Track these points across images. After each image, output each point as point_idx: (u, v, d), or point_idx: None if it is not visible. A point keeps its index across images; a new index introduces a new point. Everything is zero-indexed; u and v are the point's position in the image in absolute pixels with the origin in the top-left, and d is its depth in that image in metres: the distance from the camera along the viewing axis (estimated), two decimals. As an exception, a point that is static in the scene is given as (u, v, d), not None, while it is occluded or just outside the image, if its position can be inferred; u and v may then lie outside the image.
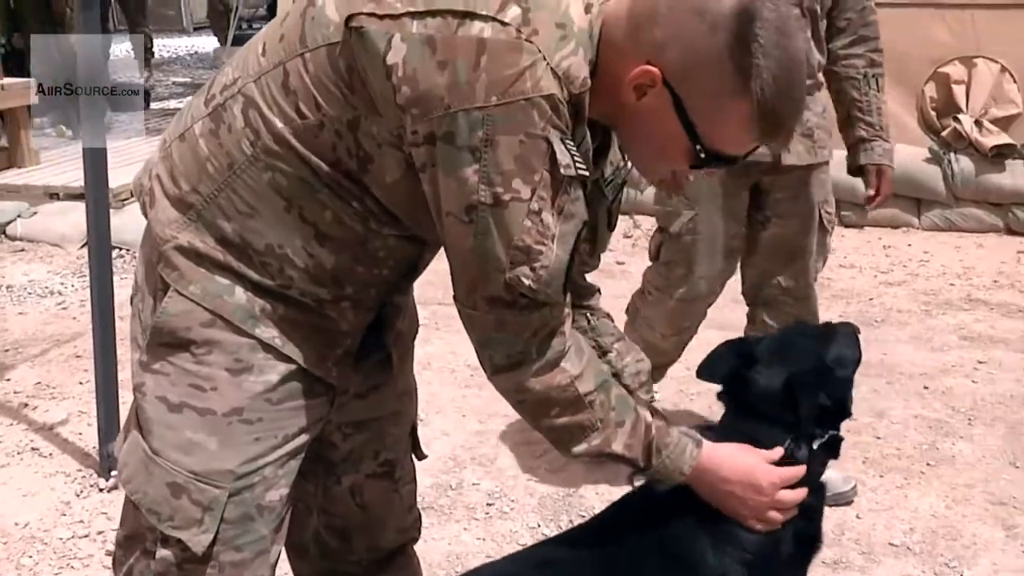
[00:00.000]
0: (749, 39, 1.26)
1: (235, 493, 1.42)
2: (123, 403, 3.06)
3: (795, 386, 1.56)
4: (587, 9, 1.33)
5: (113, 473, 2.85)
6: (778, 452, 1.55)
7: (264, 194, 1.39)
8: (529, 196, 1.28)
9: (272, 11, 10.28)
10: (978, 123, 5.45)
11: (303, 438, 1.49)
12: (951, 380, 3.77)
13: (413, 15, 1.27)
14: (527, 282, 1.31)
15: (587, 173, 1.32)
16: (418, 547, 1.86)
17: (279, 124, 1.37)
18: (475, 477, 3.08)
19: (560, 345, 1.40)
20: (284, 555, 1.71)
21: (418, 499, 1.83)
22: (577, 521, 2.70)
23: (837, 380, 1.62)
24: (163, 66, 12.34)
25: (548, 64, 1.25)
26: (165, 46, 13.84)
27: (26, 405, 3.60)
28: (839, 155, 3.01)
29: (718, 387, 1.67)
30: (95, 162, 3.04)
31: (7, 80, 6.08)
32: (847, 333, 1.70)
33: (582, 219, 1.34)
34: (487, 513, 2.89)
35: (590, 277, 1.70)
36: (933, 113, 5.62)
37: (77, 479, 3.09)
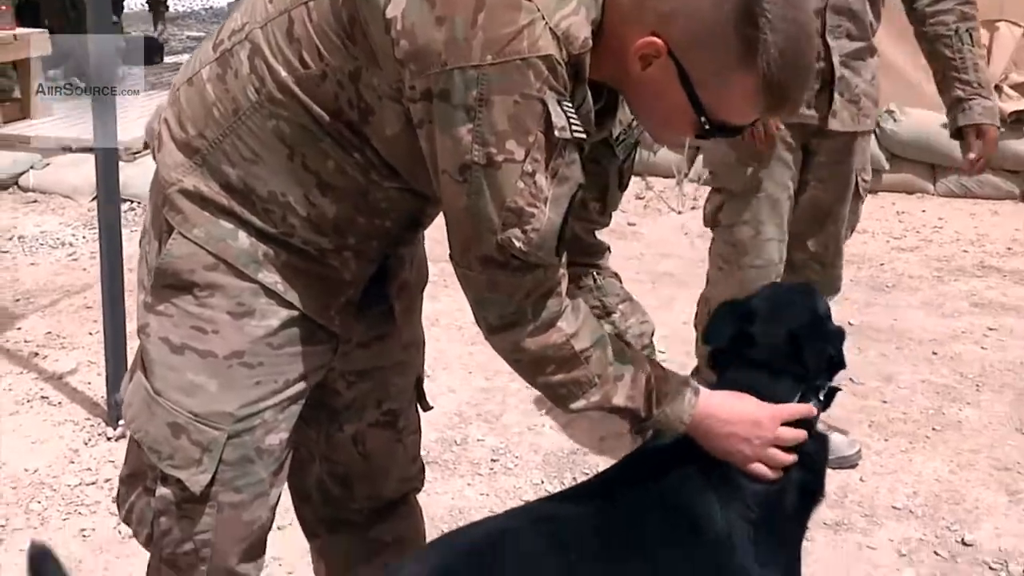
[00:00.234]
0: (756, 13, 1.24)
1: (234, 435, 1.43)
2: (131, 353, 3.07)
3: (802, 338, 1.58)
4: None
5: (121, 421, 2.87)
6: (789, 408, 1.54)
7: (268, 141, 1.39)
8: (523, 158, 1.26)
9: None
10: (998, 88, 5.37)
11: (304, 384, 1.50)
12: (960, 346, 3.76)
13: None
14: (518, 244, 1.30)
15: (584, 136, 1.31)
16: (421, 501, 1.86)
17: (283, 72, 1.36)
18: (480, 433, 3.09)
19: (556, 306, 1.39)
20: (290, 499, 1.73)
21: (422, 453, 1.84)
22: (581, 479, 2.71)
23: (833, 331, 1.66)
24: (177, 20, 12.30)
25: (547, 24, 1.23)
26: (180, 1, 13.79)
27: (36, 354, 3.62)
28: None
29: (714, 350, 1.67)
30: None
31: (20, 30, 6.06)
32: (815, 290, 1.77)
33: (577, 182, 1.33)
34: (491, 469, 2.90)
35: (601, 236, 1.69)
36: (952, 77, 5.55)
37: (85, 427, 3.11)
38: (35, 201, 5.41)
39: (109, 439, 3.04)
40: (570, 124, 1.28)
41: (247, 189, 1.41)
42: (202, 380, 1.42)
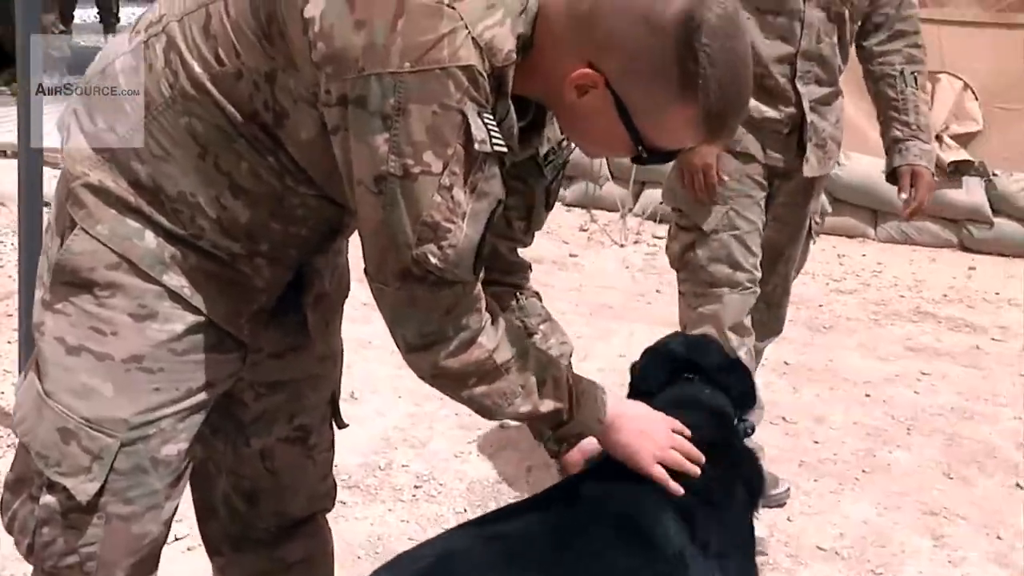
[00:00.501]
0: (696, 48, 1.21)
1: (128, 443, 1.36)
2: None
3: (727, 371, 1.67)
4: None
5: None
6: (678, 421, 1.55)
7: (180, 139, 1.33)
8: (440, 170, 1.22)
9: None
10: (938, 138, 5.46)
11: (208, 393, 1.43)
12: (893, 389, 3.77)
13: None
14: (433, 260, 1.25)
15: (505, 150, 1.27)
16: (339, 526, 1.81)
17: (197, 68, 1.31)
18: (405, 459, 3.02)
19: (477, 323, 1.35)
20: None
21: (345, 477, 1.77)
22: (505, 507, 2.65)
23: (747, 371, 1.79)
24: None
25: (470, 33, 1.19)
26: (133, 13, 13.63)
27: (-48, 361, 3.50)
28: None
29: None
30: (28, 117, 2.97)
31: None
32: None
33: (496, 198, 1.29)
34: (414, 495, 2.83)
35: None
36: (894, 126, 5.63)
37: (-3, 438, 3.00)
38: (-35, 206, 5.26)
39: (20, 451, 2.92)
40: (491, 137, 1.24)
41: (156, 187, 1.35)
42: (97, 383, 1.35)
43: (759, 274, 2.69)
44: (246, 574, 1.73)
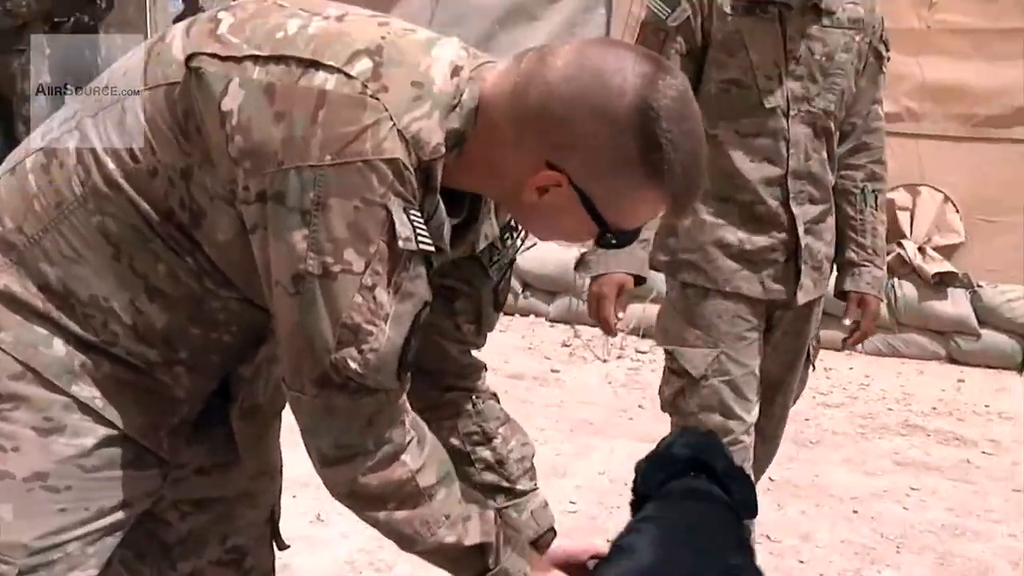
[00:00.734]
0: (657, 135, 1.19)
1: (28, 571, 1.26)
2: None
3: (731, 477, 1.64)
4: (454, 72, 1.24)
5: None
6: None
7: (92, 239, 1.28)
8: (362, 269, 1.17)
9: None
10: (921, 250, 5.45)
11: (124, 513, 1.34)
12: (882, 505, 3.65)
13: (256, 59, 1.19)
14: (353, 365, 1.19)
15: (432, 249, 1.22)
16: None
17: (111, 165, 1.26)
18: (370, 583, 2.89)
19: (400, 437, 1.27)
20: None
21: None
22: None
23: (748, 477, 1.75)
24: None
25: (395, 125, 1.15)
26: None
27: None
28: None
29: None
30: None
31: None
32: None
33: (422, 299, 1.23)
34: (378, 621, 2.69)
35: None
36: (878, 238, 5.63)
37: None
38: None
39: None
40: (416, 235, 1.18)
41: (67, 291, 1.28)
42: None
43: (753, 419, 2.51)
44: None
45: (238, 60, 1.19)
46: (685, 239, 2.51)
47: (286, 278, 1.18)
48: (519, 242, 1.51)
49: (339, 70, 1.17)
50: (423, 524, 1.30)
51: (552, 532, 1.57)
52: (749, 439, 2.51)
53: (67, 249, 1.28)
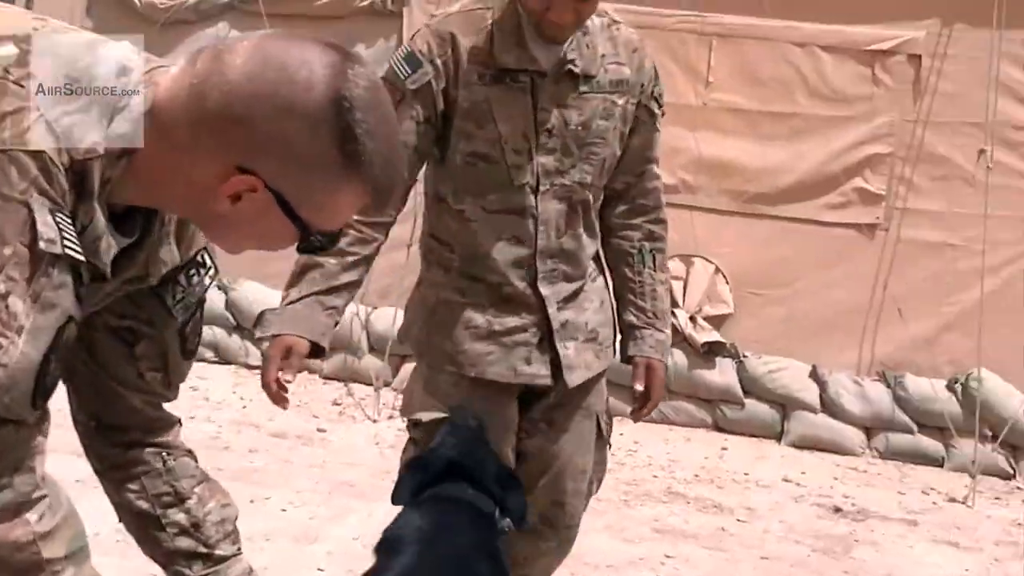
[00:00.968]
0: (352, 127, 1.12)
1: None
2: None
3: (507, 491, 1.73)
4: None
5: None
6: None
7: None
8: None
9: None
10: (692, 319, 5.59)
11: None
12: (637, 573, 3.67)
13: None
14: None
15: (81, 257, 1.09)
16: None
17: None
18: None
19: (26, 487, 1.10)
20: None
21: None
22: None
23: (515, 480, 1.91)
24: None
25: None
26: None
27: None
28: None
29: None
30: None
31: None
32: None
33: (66, 313, 1.09)
34: None
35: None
36: (651, 306, 5.74)
37: None
38: None
39: None
40: (63, 239, 1.05)
41: None
42: None
43: None
44: None
45: None
46: (431, 322, 2.39)
47: None
48: (207, 280, 1.39)
49: None
50: None
51: None
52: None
53: None
